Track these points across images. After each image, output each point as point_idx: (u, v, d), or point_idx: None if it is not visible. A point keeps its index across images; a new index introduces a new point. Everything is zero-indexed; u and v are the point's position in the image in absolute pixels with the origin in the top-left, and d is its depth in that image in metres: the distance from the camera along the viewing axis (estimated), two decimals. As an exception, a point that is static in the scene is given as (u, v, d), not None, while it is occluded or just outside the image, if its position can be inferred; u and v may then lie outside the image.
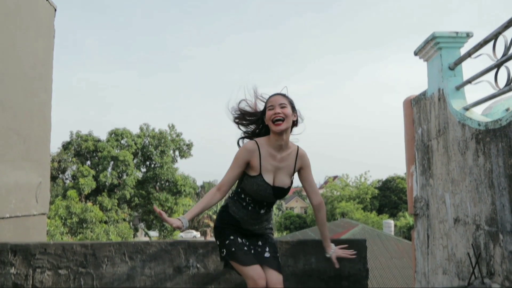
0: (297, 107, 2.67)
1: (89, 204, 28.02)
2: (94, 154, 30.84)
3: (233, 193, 2.74)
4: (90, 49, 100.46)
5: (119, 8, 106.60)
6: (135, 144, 31.68)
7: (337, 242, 3.39)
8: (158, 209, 2.39)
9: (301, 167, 2.70)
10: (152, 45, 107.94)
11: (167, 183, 32.22)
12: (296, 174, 2.74)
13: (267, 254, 2.62)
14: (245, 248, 2.60)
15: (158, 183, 32.40)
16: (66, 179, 31.38)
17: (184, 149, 33.05)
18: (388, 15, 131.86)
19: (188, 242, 3.75)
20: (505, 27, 3.30)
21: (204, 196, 2.60)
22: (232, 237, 2.61)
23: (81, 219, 26.16)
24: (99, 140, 31.08)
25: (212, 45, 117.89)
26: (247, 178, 2.60)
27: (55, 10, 5.68)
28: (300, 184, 2.83)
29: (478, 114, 4.05)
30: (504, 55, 3.40)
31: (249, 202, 2.64)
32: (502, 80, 3.48)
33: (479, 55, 3.86)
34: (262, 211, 2.67)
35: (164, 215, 2.36)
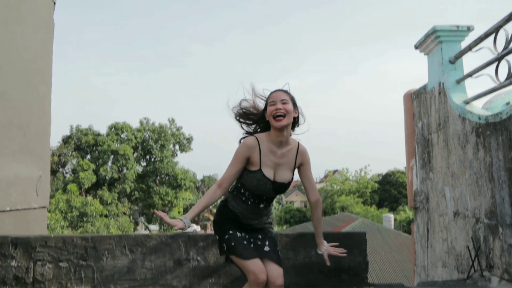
0: (298, 103, 2.67)
1: (90, 198, 28.03)
2: (94, 148, 30.81)
3: (232, 188, 2.73)
4: (90, 44, 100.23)
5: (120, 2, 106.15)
6: (135, 138, 31.65)
7: (338, 235, 3.40)
8: (159, 212, 2.38)
9: (301, 164, 2.70)
10: (152, 41, 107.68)
11: (167, 177, 32.23)
12: (295, 170, 2.74)
13: (267, 248, 2.62)
14: (245, 242, 2.60)
15: (158, 177, 32.41)
16: (66, 173, 31.38)
17: (184, 143, 33.03)
18: (389, 10, 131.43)
19: (188, 235, 3.76)
20: (506, 20, 3.29)
21: (205, 194, 2.60)
22: (231, 232, 2.62)
23: (82, 213, 26.19)
24: (99, 134, 31.05)
25: (214, 41, 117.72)
26: (247, 173, 2.60)
27: (54, 3, 5.66)
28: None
29: (478, 107, 4.05)
30: (505, 48, 3.39)
31: (248, 196, 2.64)
32: (503, 74, 3.47)
33: (480, 48, 3.85)
34: (261, 206, 2.68)
35: (166, 218, 2.36)
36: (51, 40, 5.61)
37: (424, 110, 4.81)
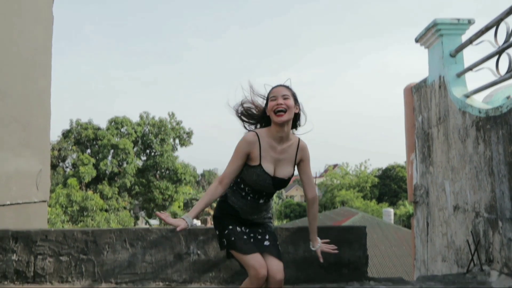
0: (300, 100, 2.66)
1: (90, 192, 28.05)
2: (94, 142, 30.80)
3: (232, 183, 2.73)
4: (89, 39, 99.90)
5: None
6: (135, 132, 31.64)
7: (338, 229, 3.40)
8: (160, 214, 2.38)
9: (301, 160, 2.69)
10: (152, 35, 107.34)
11: (167, 172, 32.24)
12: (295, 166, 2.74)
13: (267, 242, 2.62)
14: (245, 237, 2.60)
15: (158, 172, 32.41)
16: (67, 167, 31.40)
17: (184, 137, 33.02)
18: (391, 3, 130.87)
19: (188, 229, 3.76)
20: (507, 13, 3.27)
21: (206, 191, 2.59)
22: (231, 227, 2.61)
23: (82, 207, 26.23)
24: (99, 128, 31.03)
25: (214, 35, 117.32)
26: (247, 168, 2.59)
27: (54, -3, 5.64)
28: (300, 173, 2.84)
29: (478, 101, 4.04)
30: (506, 41, 3.37)
31: (248, 192, 2.64)
32: (503, 67, 3.46)
33: (481, 41, 3.83)
34: (261, 201, 2.67)
35: (168, 219, 2.36)
36: (50, 34, 5.60)
37: (424, 104, 4.80)
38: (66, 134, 30.94)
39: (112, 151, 30.17)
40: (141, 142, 32.28)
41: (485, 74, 3.78)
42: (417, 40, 4.76)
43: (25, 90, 5.00)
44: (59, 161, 30.59)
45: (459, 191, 3.99)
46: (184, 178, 31.79)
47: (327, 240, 2.87)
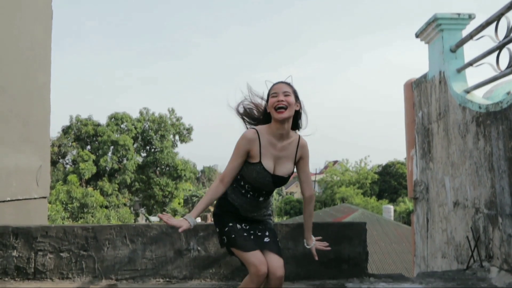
0: (301, 97, 2.65)
1: (90, 189, 28.05)
2: (94, 139, 30.78)
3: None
4: (90, 35, 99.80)
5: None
6: (135, 128, 31.62)
7: (338, 225, 3.39)
8: (162, 216, 2.39)
9: (300, 157, 2.69)
10: (154, 32, 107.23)
11: (167, 168, 32.24)
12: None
13: (267, 239, 2.62)
14: (245, 233, 2.60)
15: (158, 168, 32.42)
16: (67, 163, 31.38)
17: (184, 134, 33.00)
18: (393, 0, 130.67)
19: (189, 226, 3.77)
20: (508, 8, 3.26)
21: (207, 190, 2.59)
22: (231, 224, 2.61)
23: (82, 204, 26.27)
24: (98, 125, 30.99)
25: (216, 31, 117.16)
26: (247, 165, 2.59)
27: (53, -8, 5.62)
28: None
29: (479, 97, 4.03)
30: (506, 36, 3.36)
31: (248, 189, 2.64)
32: (504, 63, 3.45)
33: (481, 36, 3.82)
34: (261, 199, 2.67)
35: (171, 220, 2.36)
36: (49, 29, 5.59)
37: (425, 100, 4.79)
38: (66, 130, 30.92)
39: (112, 147, 30.16)
40: (141, 138, 32.27)
41: (486, 70, 3.77)
42: (417, 35, 4.75)
43: (24, 85, 5.00)
44: (59, 157, 30.59)
45: (459, 187, 3.99)
46: (184, 175, 31.80)
47: (320, 238, 2.88)
